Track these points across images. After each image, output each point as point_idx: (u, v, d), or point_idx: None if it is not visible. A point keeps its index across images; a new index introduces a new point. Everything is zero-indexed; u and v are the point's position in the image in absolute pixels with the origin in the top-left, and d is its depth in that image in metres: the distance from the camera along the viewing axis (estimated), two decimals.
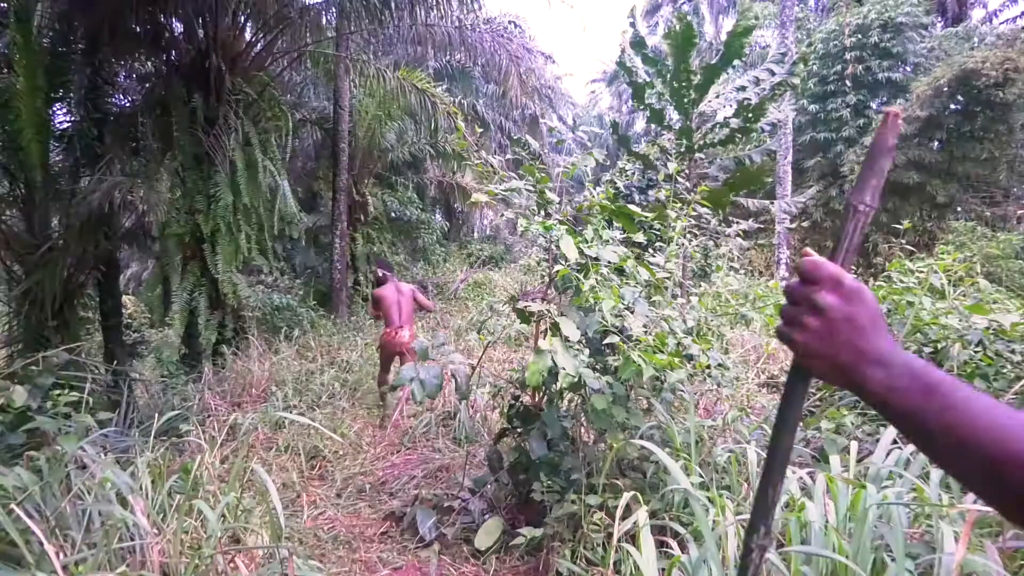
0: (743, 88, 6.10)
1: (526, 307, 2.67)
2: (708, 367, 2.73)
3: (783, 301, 0.61)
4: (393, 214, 12.44)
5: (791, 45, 10.99)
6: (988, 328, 3.04)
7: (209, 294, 6.31)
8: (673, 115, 6.42)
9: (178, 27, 6.86)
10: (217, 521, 1.95)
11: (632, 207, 2.85)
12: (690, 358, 2.68)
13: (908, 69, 13.84)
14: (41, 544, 1.65)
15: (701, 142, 6.02)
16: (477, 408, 4.45)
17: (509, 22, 16.38)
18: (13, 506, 1.78)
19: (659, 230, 4.15)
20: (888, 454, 2.10)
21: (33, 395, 2.53)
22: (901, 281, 3.67)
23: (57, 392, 2.37)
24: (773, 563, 1.64)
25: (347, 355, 6.80)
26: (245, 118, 6.41)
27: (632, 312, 2.58)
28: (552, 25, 77.90)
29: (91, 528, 1.95)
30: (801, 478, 2.02)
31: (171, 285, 6.36)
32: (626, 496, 1.92)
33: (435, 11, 7.90)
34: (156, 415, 3.44)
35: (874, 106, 13.68)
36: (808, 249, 0.64)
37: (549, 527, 2.48)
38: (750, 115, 5.84)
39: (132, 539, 1.93)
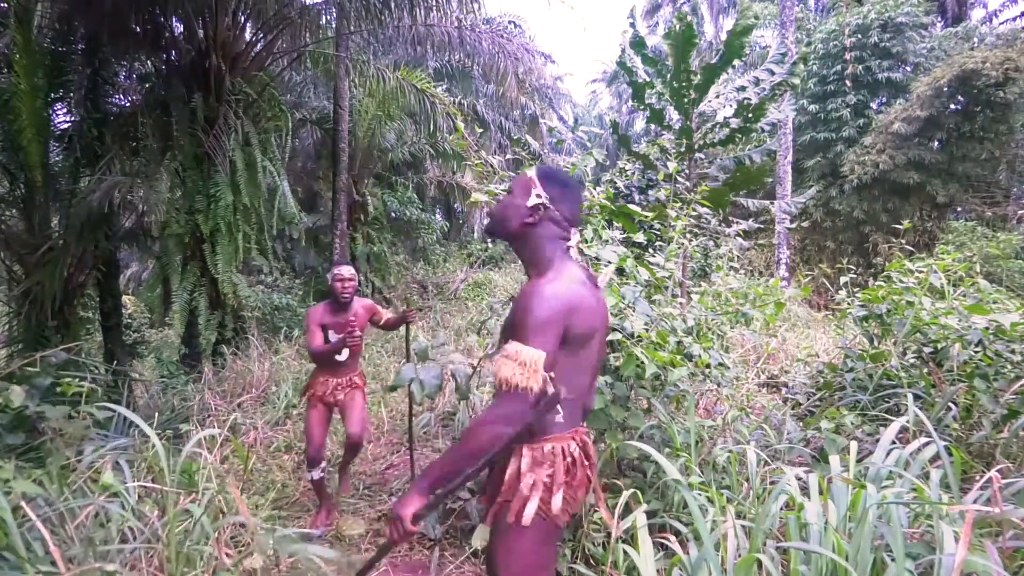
0: (743, 88, 6.09)
1: None
2: (708, 365, 2.72)
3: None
4: (393, 214, 12.44)
5: (791, 45, 10.98)
6: (988, 328, 3.04)
7: (209, 294, 6.31)
8: (673, 115, 6.42)
9: (178, 27, 6.86)
10: (210, 523, 1.95)
11: (632, 207, 2.84)
12: (690, 357, 2.67)
13: (908, 69, 13.84)
14: (44, 543, 1.65)
15: (701, 142, 6.01)
16: (477, 408, 4.44)
17: (509, 22, 16.40)
18: (22, 503, 1.78)
19: (659, 230, 4.15)
20: (888, 454, 2.09)
21: (31, 395, 2.52)
22: (901, 281, 3.67)
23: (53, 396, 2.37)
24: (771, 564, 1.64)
25: None
26: (245, 118, 6.41)
27: (633, 311, 2.58)
28: (552, 25, 77.90)
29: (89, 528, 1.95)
30: (801, 478, 2.02)
31: (171, 285, 6.38)
32: (625, 495, 1.92)
33: (435, 11, 7.90)
34: (156, 415, 3.43)
35: (874, 106, 13.68)
36: None
37: None
38: (750, 115, 5.83)
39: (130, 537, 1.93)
